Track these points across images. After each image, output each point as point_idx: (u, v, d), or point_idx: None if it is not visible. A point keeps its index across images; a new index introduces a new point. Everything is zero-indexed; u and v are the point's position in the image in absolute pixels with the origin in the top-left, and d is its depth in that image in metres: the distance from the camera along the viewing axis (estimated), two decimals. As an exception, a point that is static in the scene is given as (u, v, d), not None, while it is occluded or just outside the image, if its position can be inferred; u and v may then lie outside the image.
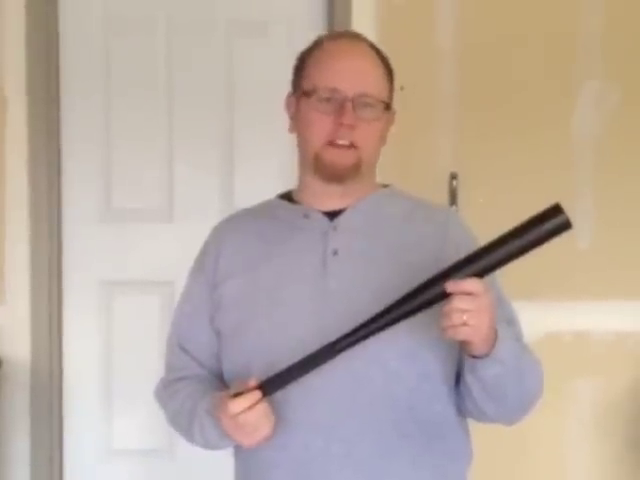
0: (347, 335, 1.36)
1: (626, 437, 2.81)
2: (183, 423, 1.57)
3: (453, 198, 2.72)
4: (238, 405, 1.35)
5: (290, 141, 2.72)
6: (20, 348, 2.76)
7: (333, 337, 1.38)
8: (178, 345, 1.63)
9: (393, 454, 1.44)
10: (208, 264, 1.60)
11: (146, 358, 2.82)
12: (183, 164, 2.87)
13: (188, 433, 1.56)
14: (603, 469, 2.82)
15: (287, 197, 1.63)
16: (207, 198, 2.86)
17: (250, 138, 2.86)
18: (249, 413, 1.35)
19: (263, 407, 1.36)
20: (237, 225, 1.64)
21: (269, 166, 2.84)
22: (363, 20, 2.66)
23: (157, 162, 2.87)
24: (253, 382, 1.37)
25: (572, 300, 2.75)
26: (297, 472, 1.46)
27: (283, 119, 2.54)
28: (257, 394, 1.36)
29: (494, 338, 1.35)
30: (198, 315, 1.60)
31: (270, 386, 1.37)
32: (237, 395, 1.36)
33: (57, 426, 2.85)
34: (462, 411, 1.52)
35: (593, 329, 2.79)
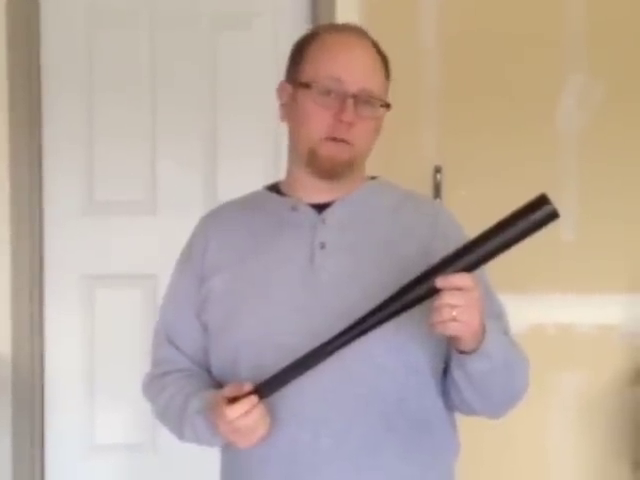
0: (339, 335, 1.35)
1: (609, 429, 2.82)
2: (172, 420, 1.56)
3: (437, 191, 2.72)
4: (235, 411, 1.34)
5: (274, 134, 2.75)
6: (1, 343, 2.74)
7: (321, 332, 1.37)
8: (165, 338, 1.61)
9: (381, 448, 1.44)
10: (195, 257, 1.58)
11: (129, 353, 2.81)
12: (166, 158, 2.85)
13: (178, 430, 1.55)
14: (587, 461, 2.83)
15: (275, 188, 1.61)
16: (190, 191, 2.85)
17: (234, 132, 2.85)
18: (246, 418, 1.35)
19: (259, 411, 1.36)
20: (224, 217, 1.62)
21: (252, 160, 2.83)
22: (347, 13, 2.66)
23: (140, 156, 2.85)
24: (248, 386, 1.36)
25: (556, 293, 2.76)
26: (286, 467, 1.45)
27: (267, 112, 2.54)
28: (254, 399, 1.35)
29: (483, 333, 1.35)
30: (185, 309, 1.58)
31: (265, 389, 1.37)
32: (233, 400, 1.35)
33: (39, 422, 2.83)
34: (449, 405, 1.52)
35: (577, 322, 2.80)
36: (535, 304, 2.74)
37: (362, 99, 1.45)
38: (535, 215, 1.29)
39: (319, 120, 1.46)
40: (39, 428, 2.83)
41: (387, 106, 1.51)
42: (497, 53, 2.76)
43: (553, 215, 1.29)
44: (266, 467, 1.47)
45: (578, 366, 2.80)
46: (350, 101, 1.44)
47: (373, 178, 1.62)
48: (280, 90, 1.57)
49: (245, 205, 1.62)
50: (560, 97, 2.79)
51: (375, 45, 1.53)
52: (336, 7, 2.73)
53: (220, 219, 1.62)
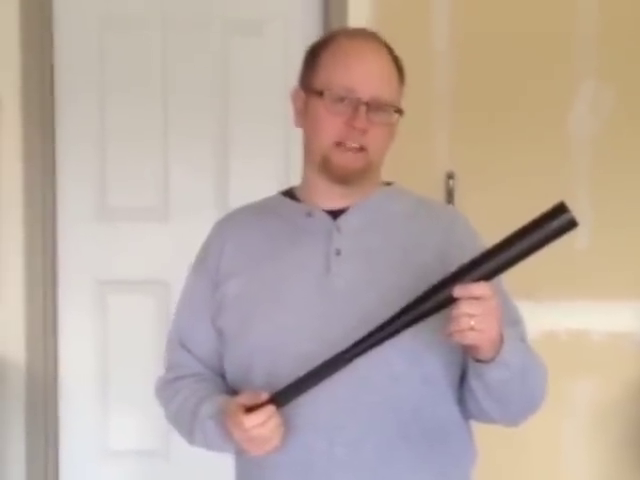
0: (356, 343, 1.35)
1: (622, 436, 2.81)
2: (184, 424, 1.56)
3: (450, 198, 2.71)
4: (252, 421, 1.34)
5: (286, 140, 2.75)
6: (15, 348, 2.75)
7: (337, 339, 1.37)
8: (179, 343, 1.61)
9: (396, 457, 1.43)
10: (210, 262, 1.58)
11: (142, 358, 2.82)
12: (178, 163, 2.86)
13: (189, 435, 1.55)
14: (599, 468, 2.82)
15: (289, 194, 1.61)
16: (202, 197, 2.85)
17: (245, 137, 2.85)
18: (262, 428, 1.35)
19: (276, 421, 1.36)
20: (240, 222, 1.61)
21: (264, 165, 2.83)
22: (359, 20, 2.65)
23: (152, 161, 2.86)
24: (265, 395, 1.35)
25: (569, 300, 2.75)
26: (300, 474, 1.45)
27: (279, 118, 2.54)
28: (271, 409, 1.34)
29: (501, 342, 1.34)
30: (199, 313, 1.58)
31: (281, 398, 1.36)
32: (250, 410, 1.35)
33: (52, 427, 2.83)
34: (465, 413, 1.51)
35: (590, 329, 2.78)
36: (548, 311, 2.73)
37: (375, 106, 1.45)
38: (554, 223, 1.27)
39: (331, 126, 1.46)
40: (53, 433, 2.84)
41: (400, 112, 1.50)
42: (509, 59, 2.75)
43: (572, 223, 1.27)
44: (280, 475, 1.46)
45: (591, 373, 2.79)
46: (363, 108, 1.44)
47: (388, 184, 1.61)
48: (294, 96, 1.56)
49: (260, 210, 1.62)
50: (572, 103, 2.78)
51: (390, 50, 1.52)
52: (348, 13, 2.73)
53: (235, 223, 1.62)
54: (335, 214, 1.52)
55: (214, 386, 1.55)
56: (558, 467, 2.81)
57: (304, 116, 1.53)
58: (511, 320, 1.48)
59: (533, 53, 2.76)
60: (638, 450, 2.81)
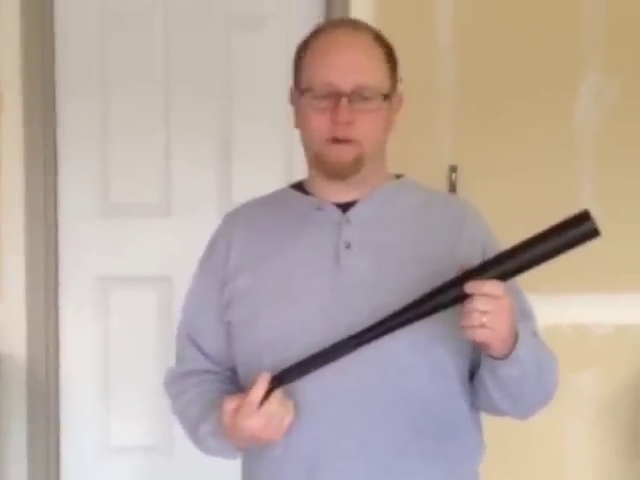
0: (365, 331, 1.35)
1: (626, 429, 2.81)
2: (187, 430, 1.57)
3: (453, 191, 2.70)
4: (254, 394, 1.34)
5: (288, 135, 2.74)
6: (16, 345, 2.75)
7: (345, 332, 1.37)
8: (187, 337, 1.61)
9: (405, 450, 1.43)
10: (218, 256, 1.57)
11: (144, 354, 2.82)
12: (181, 159, 2.85)
13: (193, 439, 1.57)
14: (603, 460, 2.81)
15: (299, 187, 1.60)
16: (205, 193, 2.85)
17: (248, 133, 2.85)
18: (270, 401, 1.35)
19: (279, 394, 1.36)
20: (248, 216, 1.61)
21: (267, 161, 2.83)
22: (361, 13, 2.64)
23: (155, 157, 2.85)
24: (265, 374, 1.36)
25: (571, 293, 2.75)
26: (307, 467, 1.44)
27: (281, 113, 2.53)
28: (265, 377, 1.35)
29: (514, 339, 1.34)
30: (207, 308, 1.58)
31: (284, 376, 1.37)
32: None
33: (54, 424, 2.83)
34: (476, 405, 1.51)
35: (592, 322, 2.78)
36: (550, 304, 2.71)
37: (357, 95, 1.44)
38: (575, 231, 1.27)
39: (318, 124, 1.46)
40: (55, 430, 2.84)
41: (388, 97, 1.49)
42: (513, 51, 2.74)
43: (594, 233, 1.27)
44: (288, 468, 1.46)
45: (594, 366, 2.79)
46: (344, 100, 1.43)
47: (399, 176, 1.61)
48: (290, 97, 1.57)
49: (270, 203, 1.62)
50: (577, 95, 2.77)
51: (377, 36, 1.51)
52: (350, 8, 2.72)
53: (243, 218, 1.61)
54: (345, 207, 1.52)
55: (218, 388, 1.56)
56: (562, 459, 2.81)
57: (296, 115, 1.54)
58: (523, 312, 1.48)
59: (537, 46, 2.75)
60: (642, 443, 2.81)
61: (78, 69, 2.84)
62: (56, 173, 2.83)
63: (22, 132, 2.74)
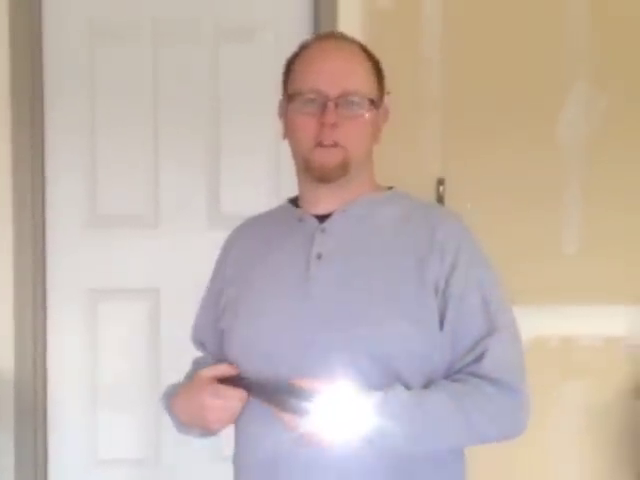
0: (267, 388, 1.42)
1: (614, 441, 2.81)
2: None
3: (440, 204, 2.71)
4: (214, 370, 1.52)
5: (276, 147, 2.75)
6: (4, 357, 2.73)
7: (307, 342, 1.43)
8: (197, 340, 1.73)
9: (367, 462, 1.42)
10: (219, 268, 1.69)
11: (132, 366, 2.80)
12: (169, 171, 2.85)
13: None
14: (591, 473, 2.82)
15: (295, 200, 1.65)
16: (193, 204, 2.84)
17: (237, 144, 2.85)
18: (237, 389, 1.46)
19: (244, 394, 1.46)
20: (245, 231, 1.70)
21: (256, 173, 2.83)
22: (349, 26, 2.65)
23: (143, 168, 2.85)
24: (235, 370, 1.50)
25: (559, 305, 2.75)
26: (266, 475, 1.47)
27: (270, 125, 2.54)
28: (232, 367, 1.50)
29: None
30: (209, 316, 1.68)
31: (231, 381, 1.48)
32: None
33: (42, 436, 2.81)
34: None
35: (580, 334, 2.79)
36: (538, 316, 2.72)
37: (344, 100, 1.48)
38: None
39: (306, 128, 1.50)
40: (42, 442, 2.82)
41: (374, 103, 1.52)
42: (500, 63, 2.76)
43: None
44: (251, 474, 1.52)
45: (581, 378, 2.79)
46: (331, 104, 1.47)
47: (390, 189, 1.62)
48: (279, 110, 1.61)
49: (266, 217, 1.70)
50: (563, 107, 2.78)
51: (364, 49, 1.56)
52: (338, 20, 2.73)
53: (241, 232, 1.70)
54: (325, 218, 1.54)
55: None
56: (549, 471, 2.81)
57: (285, 125, 1.57)
58: (492, 327, 1.46)
59: (523, 59, 2.76)
60: (628, 454, 2.81)
61: (66, 81, 2.83)
62: (44, 185, 2.82)
63: (10, 144, 2.73)
